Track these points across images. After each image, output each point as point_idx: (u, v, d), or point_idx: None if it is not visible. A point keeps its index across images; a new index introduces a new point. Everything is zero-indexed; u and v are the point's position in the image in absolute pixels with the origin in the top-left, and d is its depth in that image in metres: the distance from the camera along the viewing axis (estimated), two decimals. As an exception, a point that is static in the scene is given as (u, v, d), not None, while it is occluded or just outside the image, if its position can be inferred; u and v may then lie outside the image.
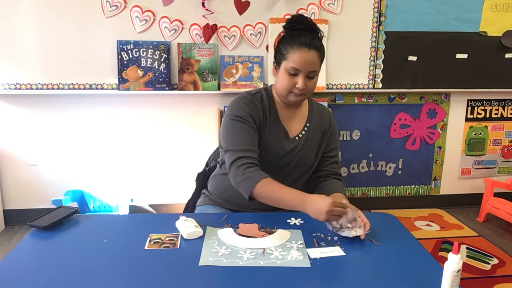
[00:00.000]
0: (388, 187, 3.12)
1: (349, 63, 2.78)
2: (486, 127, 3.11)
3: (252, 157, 1.35)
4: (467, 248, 2.50)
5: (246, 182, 1.31)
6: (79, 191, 2.60)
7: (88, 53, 2.55)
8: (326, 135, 1.53)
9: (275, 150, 1.43)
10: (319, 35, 1.38)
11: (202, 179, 1.68)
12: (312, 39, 1.33)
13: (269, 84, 2.58)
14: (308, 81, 1.36)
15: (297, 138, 1.47)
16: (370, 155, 3.03)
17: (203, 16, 2.56)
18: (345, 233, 1.19)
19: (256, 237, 1.18)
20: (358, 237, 1.18)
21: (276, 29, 2.62)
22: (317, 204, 1.20)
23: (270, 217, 1.33)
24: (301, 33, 1.34)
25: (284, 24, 1.41)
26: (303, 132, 1.48)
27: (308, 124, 1.50)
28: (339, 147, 1.61)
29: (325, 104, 2.76)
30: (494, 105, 3.09)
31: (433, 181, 3.16)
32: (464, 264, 2.28)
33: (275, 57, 1.41)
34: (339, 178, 1.54)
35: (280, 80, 1.39)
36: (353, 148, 2.99)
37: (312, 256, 1.09)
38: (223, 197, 1.54)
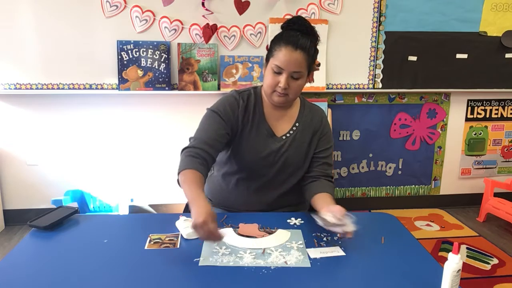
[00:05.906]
0: (388, 187, 3.12)
1: (349, 63, 2.78)
2: (486, 127, 3.11)
3: (201, 149, 1.31)
4: (467, 248, 2.50)
5: (179, 167, 1.29)
6: (79, 191, 2.60)
7: (88, 53, 2.55)
8: (317, 135, 1.48)
9: (259, 149, 1.42)
10: (314, 38, 1.35)
11: None
12: (301, 39, 1.30)
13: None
14: (292, 82, 1.33)
15: (284, 137, 1.45)
16: (370, 155, 3.03)
17: (203, 16, 2.56)
18: (337, 229, 1.15)
19: (256, 237, 1.18)
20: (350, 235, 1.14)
21: (276, 29, 2.59)
22: (198, 211, 1.08)
23: (270, 217, 1.33)
24: (293, 33, 1.32)
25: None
26: (291, 132, 1.46)
27: (297, 124, 1.47)
28: (333, 148, 1.56)
29: (325, 104, 2.76)
30: (494, 105, 3.09)
31: (433, 181, 3.16)
32: (464, 264, 2.27)
33: (266, 55, 1.41)
34: (329, 180, 1.47)
35: (265, 77, 1.38)
36: (353, 148, 2.99)
37: (312, 256, 1.09)
38: (217, 200, 1.54)
